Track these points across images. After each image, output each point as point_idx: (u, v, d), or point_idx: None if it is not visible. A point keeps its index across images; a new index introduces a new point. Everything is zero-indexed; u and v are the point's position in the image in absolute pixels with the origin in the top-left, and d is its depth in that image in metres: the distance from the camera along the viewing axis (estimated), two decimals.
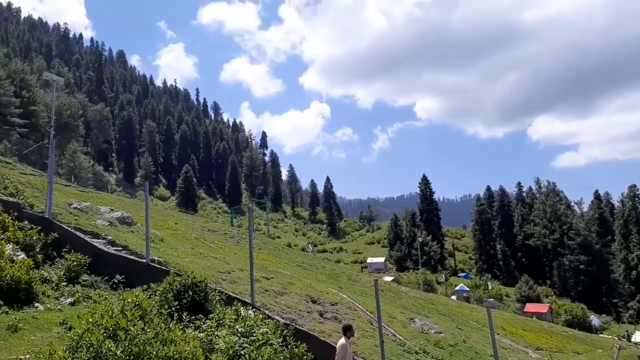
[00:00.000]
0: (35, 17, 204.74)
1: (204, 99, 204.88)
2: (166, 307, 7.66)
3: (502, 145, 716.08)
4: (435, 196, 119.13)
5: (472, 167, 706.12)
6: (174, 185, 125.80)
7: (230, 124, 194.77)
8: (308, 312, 12.49)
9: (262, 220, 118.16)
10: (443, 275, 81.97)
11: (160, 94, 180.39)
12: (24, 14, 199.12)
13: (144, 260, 10.90)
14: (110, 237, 12.36)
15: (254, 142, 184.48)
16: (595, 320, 62.17)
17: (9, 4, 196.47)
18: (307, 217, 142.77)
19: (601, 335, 47.37)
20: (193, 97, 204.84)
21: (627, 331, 53.22)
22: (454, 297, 54.55)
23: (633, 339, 43.51)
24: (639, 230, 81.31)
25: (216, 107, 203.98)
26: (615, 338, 37.80)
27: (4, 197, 12.10)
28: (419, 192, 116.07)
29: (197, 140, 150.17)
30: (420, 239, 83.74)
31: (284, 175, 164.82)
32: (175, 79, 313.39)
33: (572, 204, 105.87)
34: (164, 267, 10.90)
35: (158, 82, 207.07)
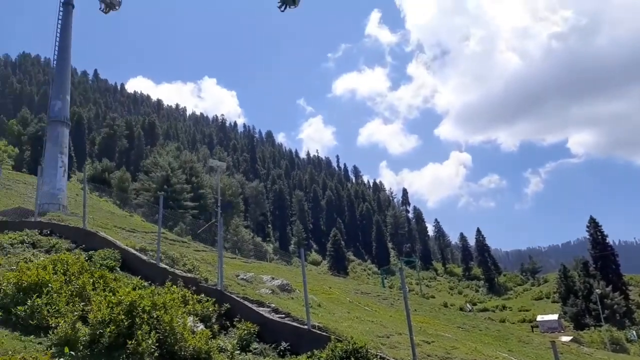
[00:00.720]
0: (198, 113, 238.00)
1: (344, 164, 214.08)
2: None
3: None
4: (609, 240, 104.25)
5: None
6: (325, 250, 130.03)
7: (371, 184, 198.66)
8: None
9: (414, 280, 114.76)
10: (634, 332, 69.73)
11: (305, 165, 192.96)
12: (188, 112, 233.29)
13: (306, 327, 11.24)
14: (273, 305, 13.06)
15: (395, 200, 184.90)
16: None
17: (177, 105, 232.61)
18: (461, 273, 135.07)
19: None
20: (334, 164, 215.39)
21: None
22: None
23: None
24: None
25: (356, 171, 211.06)
26: None
27: (184, 274, 13.68)
28: (588, 236, 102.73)
29: (342, 204, 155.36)
30: (598, 291, 73.40)
31: (430, 231, 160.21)
32: (317, 150, 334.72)
33: None
34: (324, 333, 11.10)
35: (302, 154, 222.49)
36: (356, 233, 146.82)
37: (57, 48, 27.03)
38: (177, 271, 13.83)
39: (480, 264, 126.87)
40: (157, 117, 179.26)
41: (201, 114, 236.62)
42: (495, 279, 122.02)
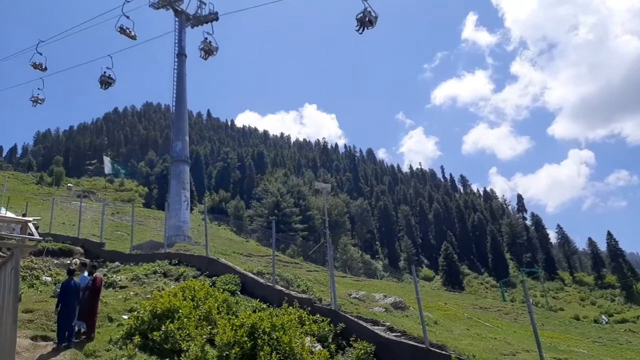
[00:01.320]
0: (301, 138, 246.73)
1: (450, 175, 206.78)
2: None
3: None
4: None
5: None
6: (436, 265, 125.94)
7: (481, 193, 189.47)
8: None
9: (538, 292, 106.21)
10: None
11: (408, 179, 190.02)
12: (292, 138, 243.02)
13: (424, 345, 10.99)
14: (388, 324, 12.96)
15: (509, 207, 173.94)
16: None
17: (282, 134, 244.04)
18: (592, 282, 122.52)
19: None
20: (439, 175, 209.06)
21: None
22: None
23: None
24: None
25: (463, 180, 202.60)
26: None
27: (299, 295, 14.14)
28: None
29: (451, 216, 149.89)
30: None
31: (553, 237, 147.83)
32: (419, 162, 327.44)
33: None
34: (444, 352, 10.76)
35: (405, 168, 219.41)
36: (469, 245, 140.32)
37: (174, 95, 29.94)
38: (292, 292, 14.35)
39: (614, 270, 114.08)
40: (265, 147, 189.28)
41: (304, 139, 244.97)
42: (634, 287, 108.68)
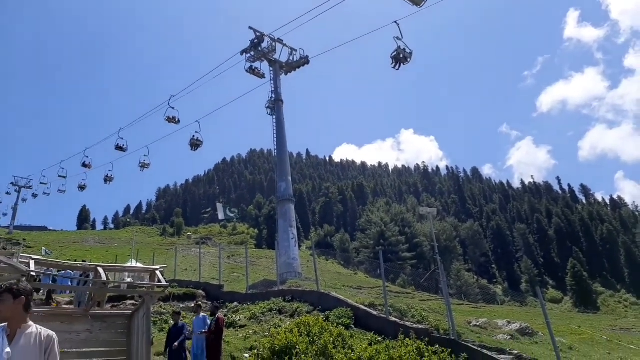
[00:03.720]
0: (399, 165, 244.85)
1: (569, 185, 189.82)
2: None
3: None
4: None
5: None
6: (563, 285, 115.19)
7: (608, 202, 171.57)
8: None
9: None
10: None
11: (521, 195, 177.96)
12: (391, 166, 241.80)
13: None
14: (516, 352, 12.03)
15: None
16: None
17: (379, 163, 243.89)
18: None
19: None
20: (555, 187, 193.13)
21: None
22: None
23: None
24: None
25: (585, 190, 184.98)
26: None
27: (414, 325, 13.69)
28: None
29: (574, 230, 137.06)
30: None
31: None
32: (532, 175, 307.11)
33: None
34: None
35: (515, 184, 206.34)
36: (600, 260, 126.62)
37: (275, 140, 31.60)
38: (407, 323, 13.94)
39: None
40: (364, 177, 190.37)
41: (403, 166, 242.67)
42: None
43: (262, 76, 33.27)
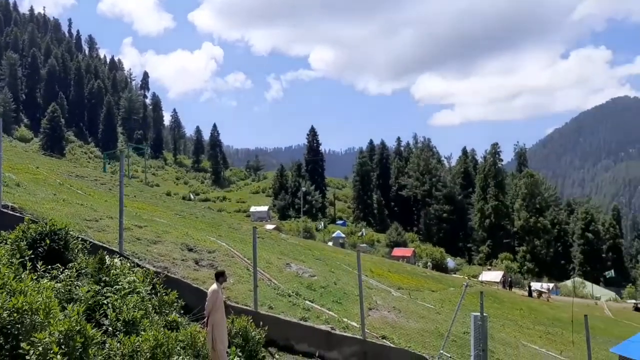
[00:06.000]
0: None
1: (77, 31, 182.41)
2: (18, 256, 7.14)
3: (388, 101, 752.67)
4: (322, 148, 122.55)
5: (359, 121, 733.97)
6: (38, 126, 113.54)
7: (108, 60, 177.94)
8: (183, 259, 12.42)
9: (140, 167, 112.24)
10: (322, 223, 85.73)
11: (25, 23, 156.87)
12: None
13: None
14: None
15: (134, 82, 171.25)
16: (450, 262, 70.14)
17: None
18: (190, 165, 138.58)
19: (454, 275, 53.68)
20: (64, 28, 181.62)
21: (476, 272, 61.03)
22: (330, 244, 57.39)
23: (480, 278, 50.05)
24: (495, 184, 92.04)
25: (91, 41, 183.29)
26: (465, 277, 43.11)
27: None
28: (306, 143, 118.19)
29: (68, 77, 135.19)
30: (303, 189, 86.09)
31: (167, 120, 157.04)
32: (44, 7, 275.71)
33: (443, 158, 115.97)
34: (18, 214, 10.00)
35: (23, 9, 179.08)
36: (81, 112, 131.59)
37: None
38: None
39: (210, 157, 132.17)
40: None
41: None
42: (222, 173, 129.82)
43: None
